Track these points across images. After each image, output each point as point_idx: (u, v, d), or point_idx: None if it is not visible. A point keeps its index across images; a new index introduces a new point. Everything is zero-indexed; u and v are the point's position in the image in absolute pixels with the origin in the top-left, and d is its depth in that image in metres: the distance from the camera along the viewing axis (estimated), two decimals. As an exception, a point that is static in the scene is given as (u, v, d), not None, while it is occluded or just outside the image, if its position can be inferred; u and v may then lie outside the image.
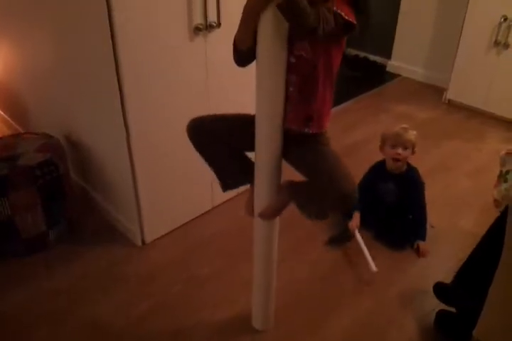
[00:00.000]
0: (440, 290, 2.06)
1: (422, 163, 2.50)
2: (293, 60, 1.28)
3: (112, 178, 2.40)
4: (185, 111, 2.17)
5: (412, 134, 2.38)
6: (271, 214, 1.52)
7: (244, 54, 1.32)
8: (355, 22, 1.20)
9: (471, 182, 3.00)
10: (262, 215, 1.51)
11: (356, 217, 2.47)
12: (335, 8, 1.16)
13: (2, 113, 3.51)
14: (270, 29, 1.22)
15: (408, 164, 2.47)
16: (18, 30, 2.75)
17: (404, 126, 2.43)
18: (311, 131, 1.35)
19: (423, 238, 2.43)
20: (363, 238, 2.41)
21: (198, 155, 1.59)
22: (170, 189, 2.35)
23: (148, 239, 2.40)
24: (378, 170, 2.52)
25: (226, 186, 1.66)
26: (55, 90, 2.57)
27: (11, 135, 2.69)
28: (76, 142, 2.58)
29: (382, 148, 2.45)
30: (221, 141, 1.50)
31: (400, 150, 2.37)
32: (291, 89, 1.31)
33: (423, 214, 2.45)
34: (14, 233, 2.26)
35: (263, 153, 1.42)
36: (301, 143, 1.40)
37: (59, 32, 2.29)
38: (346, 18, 1.17)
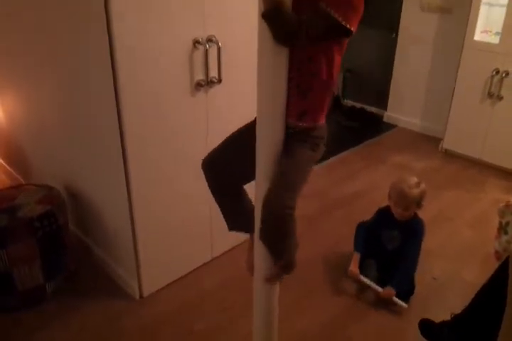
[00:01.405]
0: (425, 326, 2.03)
1: (422, 213, 2.49)
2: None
3: (111, 231, 2.39)
4: (186, 167, 2.23)
5: (416, 192, 2.33)
6: (273, 278, 1.44)
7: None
8: (350, 27, 1.10)
9: (472, 232, 2.99)
10: (266, 281, 1.44)
11: (355, 259, 2.45)
12: (328, 9, 1.08)
13: (4, 163, 3.54)
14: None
15: (415, 214, 2.46)
16: (23, 83, 2.82)
17: (413, 180, 2.39)
18: (305, 125, 1.28)
19: (396, 286, 2.35)
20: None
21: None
22: (169, 241, 2.34)
23: (147, 292, 2.37)
24: (384, 216, 2.50)
25: (231, 227, 1.63)
26: (57, 142, 2.61)
27: (11, 186, 2.71)
28: (76, 194, 2.59)
29: (389, 198, 2.45)
30: (230, 175, 1.46)
31: (400, 210, 2.37)
32: (289, 84, 1.25)
33: (411, 264, 2.40)
34: (11, 286, 2.23)
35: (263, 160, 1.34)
36: (291, 136, 1.31)
37: (64, 86, 2.35)
38: (340, 20, 1.09)
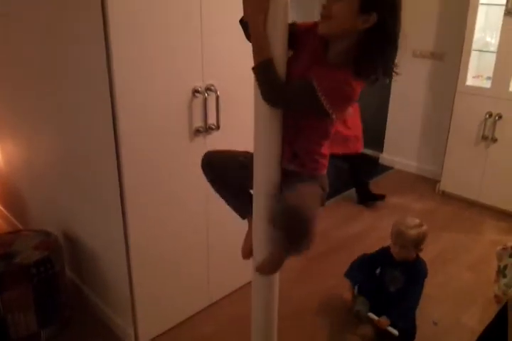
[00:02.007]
0: None
1: (421, 255, 2.49)
2: None
3: (108, 278, 2.37)
4: (183, 213, 2.24)
5: (413, 233, 2.34)
6: (269, 268, 1.38)
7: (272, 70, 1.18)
8: (333, 113, 1.13)
9: (472, 275, 2.97)
10: (259, 269, 1.39)
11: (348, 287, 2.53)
12: (319, 92, 1.10)
13: (2, 208, 3.54)
14: None
15: (417, 255, 2.45)
16: (23, 128, 2.86)
17: (413, 221, 2.40)
18: (296, 169, 1.29)
19: (394, 319, 2.33)
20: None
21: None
22: (166, 288, 2.32)
23: (143, 339, 2.32)
24: (386, 254, 2.49)
25: (242, 215, 1.55)
26: (55, 187, 2.62)
27: (9, 232, 2.70)
28: (74, 239, 2.59)
29: (390, 236, 2.45)
30: (227, 175, 1.48)
31: (396, 249, 2.37)
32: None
33: (411, 303, 2.37)
34: (4, 333, 2.19)
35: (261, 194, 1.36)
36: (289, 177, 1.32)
37: (63, 132, 2.39)
38: (325, 104, 1.10)
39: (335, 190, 4.05)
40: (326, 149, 1.32)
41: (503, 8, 3.45)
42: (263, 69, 1.14)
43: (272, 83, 1.14)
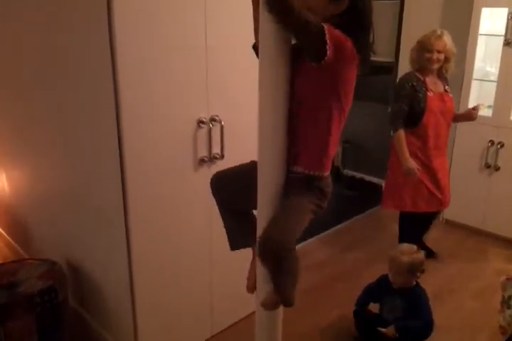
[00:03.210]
0: None
1: (425, 284, 2.48)
2: None
3: (111, 307, 2.36)
4: (188, 243, 2.25)
5: (406, 259, 2.35)
6: (270, 305, 1.35)
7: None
8: (328, 44, 1.09)
9: (477, 304, 2.94)
10: (263, 305, 1.35)
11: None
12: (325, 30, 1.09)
13: (6, 236, 3.54)
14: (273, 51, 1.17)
15: (417, 283, 2.44)
16: (28, 157, 2.89)
17: (410, 248, 2.42)
18: (299, 170, 1.26)
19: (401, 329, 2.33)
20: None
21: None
22: (169, 319, 2.31)
23: (146, 371, 2.30)
24: (384, 283, 2.47)
25: (233, 247, 1.54)
26: (60, 215, 2.64)
27: (13, 261, 2.70)
28: (78, 268, 2.58)
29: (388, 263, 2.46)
30: (236, 200, 1.47)
31: (391, 274, 2.37)
32: None
33: (427, 325, 2.36)
34: (7, 364, 2.18)
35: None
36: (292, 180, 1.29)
37: (68, 160, 2.42)
38: (326, 37, 1.08)
39: (335, 219, 4.07)
40: (332, 150, 1.28)
41: (502, 38, 3.52)
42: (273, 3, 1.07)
43: (288, 15, 1.06)
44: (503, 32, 3.51)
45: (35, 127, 2.68)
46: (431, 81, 3.03)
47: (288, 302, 1.28)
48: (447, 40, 2.97)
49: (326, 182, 1.31)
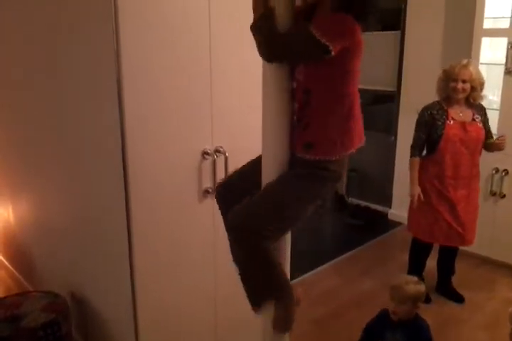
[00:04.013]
0: None
1: (433, 315, 2.45)
2: (294, 84, 1.22)
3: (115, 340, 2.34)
4: (192, 278, 2.23)
5: (412, 288, 2.30)
6: (282, 325, 1.29)
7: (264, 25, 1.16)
8: (330, 47, 1.09)
9: (486, 336, 2.89)
10: (274, 328, 1.28)
11: None
12: (311, 29, 1.09)
13: (10, 267, 3.53)
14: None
15: (417, 314, 2.40)
16: (34, 189, 2.90)
17: (413, 278, 2.40)
18: (312, 158, 1.22)
19: None
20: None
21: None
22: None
23: None
24: (384, 317, 2.43)
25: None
26: (64, 247, 2.63)
27: (17, 294, 2.68)
28: (82, 300, 2.56)
29: (389, 293, 2.41)
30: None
31: (393, 304, 2.34)
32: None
33: None
34: None
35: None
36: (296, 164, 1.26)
37: (73, 192, 2.43)
38: (320, 39, 1.08)
39: (340, 248, 4.06)
40: (355, 130, 1.23)
41: (503, 67, 3.55)
42: (259, 24, 1.12)
43: (269, 36, 1.11)
44: (503, 61, 3.55)
45: (40, 157, 2.70)
46: (456, 110, 3.04)
47: (253, 302, 1.23)
48: (473, 69, 2.99)
49: (337, 164, 1.25)
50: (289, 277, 1.34)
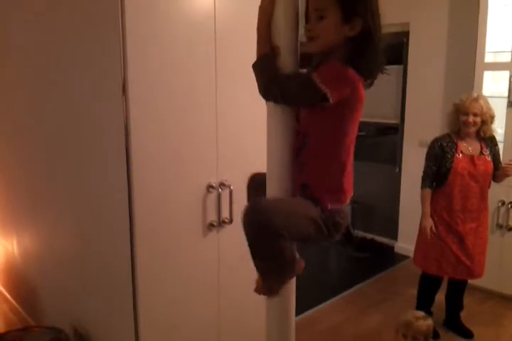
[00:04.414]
0: None
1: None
2: (297, 126, 1.24)
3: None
4: (196, 315, 2.20)
5: (423, 324, 2.30)
6: (258, 287, 1.32)
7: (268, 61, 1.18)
8: (329, 94, 1.09)
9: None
10: (256, 291, 1.32)
11: None
12: (313, 75, 1.10)
13: (13, 301, 3.50)
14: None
15: None
16: (38, 221, 2.91)
17: (420, 313, 2.38)
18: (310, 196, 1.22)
19: None
20: None
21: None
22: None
23: None
24: None
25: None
26: (67, 281, 2.62)
27: (19, 329, 2.65)
28: (85, 336, 2.53)
29: (395, 332, 2.37)
30: None
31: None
32: None
33: None
34: None
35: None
36: None
37: (78, 225, 2.43)
38: (320, 86, 1.09)
39: (346, 282, 4.01)
40: (347, 184, 1.24)
41: (506, 99, 3.59)
42: (261, 63, 1.15)
43: (269, 75, 1.13)
44: (506, 94, 3.59)
45: (46, 191, 2.71)
46: (466, 143, 3.05)
47: (265, 289, 1.25)
48: (484, 103, 3.00)
49: (338, 212, 1.25)
50: (293, 314, 1.34)
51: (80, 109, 2.19)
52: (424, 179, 3.13)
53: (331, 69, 1.14)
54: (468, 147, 3.04)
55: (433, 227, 3.05)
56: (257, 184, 1.43)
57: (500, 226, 3.68)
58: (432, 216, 3.09)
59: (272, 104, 1.19)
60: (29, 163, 2.88)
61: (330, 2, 1.13)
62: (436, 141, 3.10)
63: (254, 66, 1.17)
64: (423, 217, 3.11)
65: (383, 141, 4.93)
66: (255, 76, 1.17)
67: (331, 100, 1.10)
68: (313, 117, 1.20)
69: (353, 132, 1.21)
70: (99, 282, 2.32)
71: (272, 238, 1.14)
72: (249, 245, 1.19)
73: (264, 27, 1.15)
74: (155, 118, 1.89)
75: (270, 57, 1.14)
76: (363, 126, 5.05)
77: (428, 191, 3.10)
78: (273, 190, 1.25)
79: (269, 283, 1.26)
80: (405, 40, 4.47)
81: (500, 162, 3.14)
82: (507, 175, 3.09)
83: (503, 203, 3.65)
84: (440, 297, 3.33)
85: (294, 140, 1.23)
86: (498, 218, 3.67)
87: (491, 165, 3.05)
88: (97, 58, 1.99)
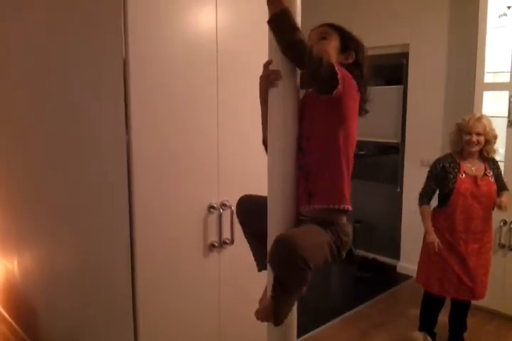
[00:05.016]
0: None
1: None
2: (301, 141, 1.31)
3: None
4: (197, 331, 2.19)
5: None
6: (264, 314, 1.34)
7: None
8: (339, 74, 1.19)
9: None
10: (256, 314, 1.35)
11: None
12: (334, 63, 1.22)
13: (12, 322, 3.47)
14: (280, 106, 1.26)
15: None
16: (39, 241, 2.90)
17: (421, 334, 2.37)
18: (315, 207, 1.28)
19: None
20: None
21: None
22: None
23: None
24: None
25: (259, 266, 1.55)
26: (67, 302, 2.60)
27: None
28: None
29: None
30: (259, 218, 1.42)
31: None
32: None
33: None
34: None
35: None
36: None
37: (79, 245, 2.43)
38: (335, 68, 1.20)
39: (348, 302, 3.98)
40: (346, 189, 1.30)
41: (506, 119, 3.60)
42: (280, 19, 1.18)
43: (291, 31, 1.17)
44: (506, 114, 3.61)
45: (47, 211, 2.72)
46: (469, 164, 3.04)
47: (277, 319, 1.28)
48: (487, 122, 3.00)
49: (343, 229, 1.32)
50: (295, 336, 1.35)
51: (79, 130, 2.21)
52: (422, 196, 3.14)
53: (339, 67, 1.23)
54: (472, 167, 3.03)
55: (439, 242, 3.02)
56: (246, 207, 1.51)
57: (502, 246, 3.66)
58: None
59: (273, 125, 1.22)
60: (29, 182, 2.89)
61: (332, 32, 1.34)
62: (438, 161, 3.10)
63: (273, 21, 1.20)
64: (427, 233, 3.09)
65: (384, 161, 4.95)
66: (273, 30, 1.20)
67: (339, 87, 1.20)
68: (317, 118, 1.28)
69: (353, 137, 1.30)
70: (99, 302, 2.30)
71: (301, 271, 1.19)
72: (278, 280, 1.24)
73: None
74: (157, 139, 1.91)
75: (288, 12, 1.18)
76: (364, 145, 5.12)
77: (427, 207, 3.11)
78: (275, 215, 1.28)
79: (280, 312, 1.28)
80: (405, 61, 4.53)
81: (504, 184, 3.12)
82: (502, 210, 3.08)
83: (505, 223, 3.64)
84: (443, 317, 3.30)
85: (299, 146, 1.28)
86: (500, 238, 3.66)
87: (495, 186, 3.03)
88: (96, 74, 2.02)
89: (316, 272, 1.28)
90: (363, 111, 1.37)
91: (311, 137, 1.27)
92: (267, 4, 1.20)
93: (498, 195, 3.05)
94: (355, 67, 1.35)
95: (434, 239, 3.02)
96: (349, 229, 1.33)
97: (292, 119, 1.27)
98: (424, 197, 3.12)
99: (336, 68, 1.20)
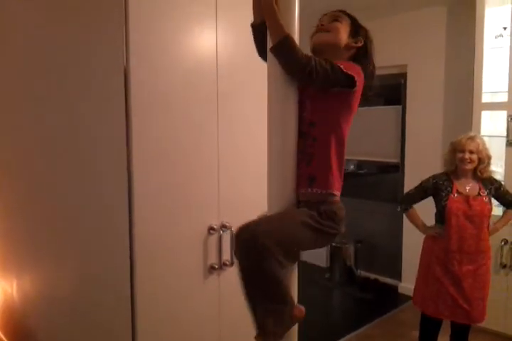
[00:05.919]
0: None
1: None
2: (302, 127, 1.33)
3: None
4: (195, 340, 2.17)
5: None
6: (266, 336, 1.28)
7: (256, 30, 1.34)
8: (354, 76, 1.26)
9: None
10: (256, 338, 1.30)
11: None
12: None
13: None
14: (281, 91, 1.28)
15: None
16: (39, 263, 2.88)
17: None
18: (315, 191, 1.29)
19: None
20: None
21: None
22: None
23: None
24: None
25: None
26: (66, 324, 2.57)
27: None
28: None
29: None
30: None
31: None
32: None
33: None
34: None
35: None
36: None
37: (78, 267, 2.41)
38: (345, 71, 1.24)
39: (350, 324, 3.94)
40: (335, 171, 1.33)
41: (505, 139, 3.62)
42: (283, 46, 1.21)
43: (296, 56, 1.20)
44: (504, 133, 3.62)
45: (48, 233, 2.70)
46: (463, 183, 3.03)
47: (259, 327, 1.23)
48: (480, 141, 3.02)
49: (336, 206, 1.33)
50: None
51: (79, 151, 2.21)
52: (401, 202, 3.22)
53: (344, 63, 1.29)
54: (465, 186, 3.02)
55: (439, 232, 3.02)
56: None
57: (503, 266, 3.64)
58: (428, 256, 3.06)
59: (273, 140, 1.27)
60: (28, 206, 2.88)
61: (345, 17, 1.41)
62: (433, 177, 3.11)
63: (278, 48, 1.22)
64: (421, 230, 3.15)
65: (385, 180, 4.95)
66: (279, 57, 1.23)
67: (357, 82, 1.27)
68: (324, 105, 1.32)
69: (351, 117, 1.35)
70: (98, 326, 2.28)
71: (267, 261, 1.16)
72: (244, 277, 1.23)
73: (275, 13, 1.23)
74: (157, 161, 1.92)
75: (291, 38, 1.22)
76: (364, 164, 5.12)
77: (411, 211, 3.18)
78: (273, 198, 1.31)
79: (269, 328, 1.23)
80: (403, 81, 4.56)
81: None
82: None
83: (506, 242, 3.63)
84: (445, 339, 3.25)
85: (301, 129, 1.31)
86: (501, 257, 3.64)
87: (488, 206, 3.00)
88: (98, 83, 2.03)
89: (296, 259, 1.28)
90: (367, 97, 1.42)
91: (315, 122, 1.30)
92: (269, 32, 1.24)
93: (504, 213, 3.05)
94: (363, 57, 1.42)
95: (431, 228, 3.07)
96: (341, 204, 1.35)
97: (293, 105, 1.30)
98: (403, 203, 3.21)
99: (345, 70, 1.25)
